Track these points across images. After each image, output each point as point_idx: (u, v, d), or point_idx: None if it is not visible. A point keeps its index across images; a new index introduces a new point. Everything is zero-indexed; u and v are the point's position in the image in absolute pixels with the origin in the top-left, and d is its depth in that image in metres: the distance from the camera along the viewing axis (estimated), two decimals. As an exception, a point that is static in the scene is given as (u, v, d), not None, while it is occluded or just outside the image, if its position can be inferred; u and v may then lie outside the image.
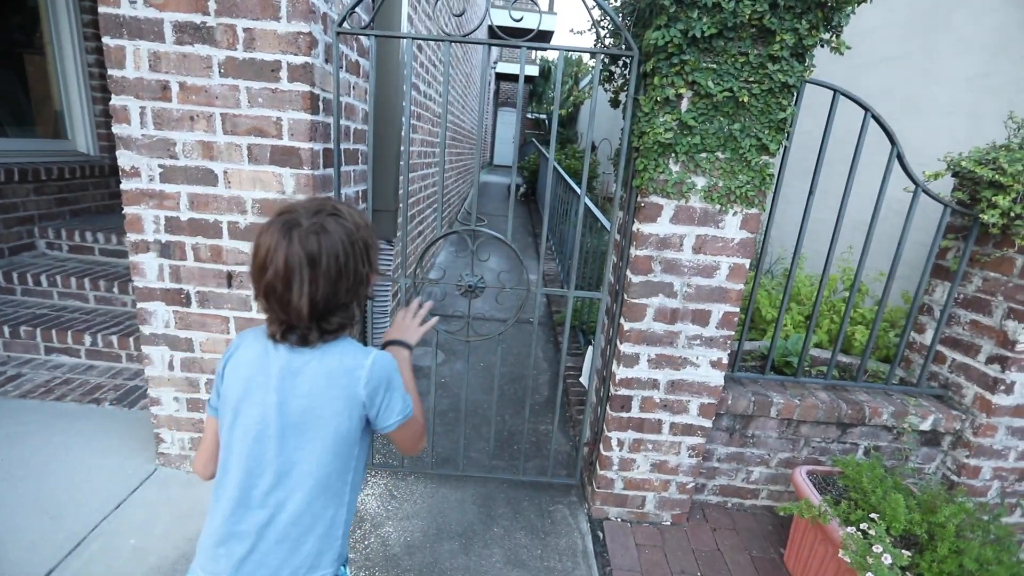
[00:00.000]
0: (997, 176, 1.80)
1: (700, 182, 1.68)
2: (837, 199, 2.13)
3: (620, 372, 1.89)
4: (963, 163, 1.92)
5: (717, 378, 1.90)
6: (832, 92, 1.76)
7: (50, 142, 3.46)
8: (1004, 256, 1.91)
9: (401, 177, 2.29)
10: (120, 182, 1.70)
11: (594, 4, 1.67)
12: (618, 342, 1.90)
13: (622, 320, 1.87)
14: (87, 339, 2.61)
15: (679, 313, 1.82)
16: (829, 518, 1.54)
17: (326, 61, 1.71)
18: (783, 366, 2.35)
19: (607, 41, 1.91)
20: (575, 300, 3.94)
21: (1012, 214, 1.80)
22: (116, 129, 1.65)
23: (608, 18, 1.75)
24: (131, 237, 1.75)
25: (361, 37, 2.07)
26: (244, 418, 0.86)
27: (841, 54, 1.53)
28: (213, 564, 0.86)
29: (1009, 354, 1.90)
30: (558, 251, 5.96)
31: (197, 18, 1.55)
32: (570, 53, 16.22)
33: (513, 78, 16.66)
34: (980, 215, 1.86)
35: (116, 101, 1.63)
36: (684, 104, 1.61)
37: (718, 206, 1.70)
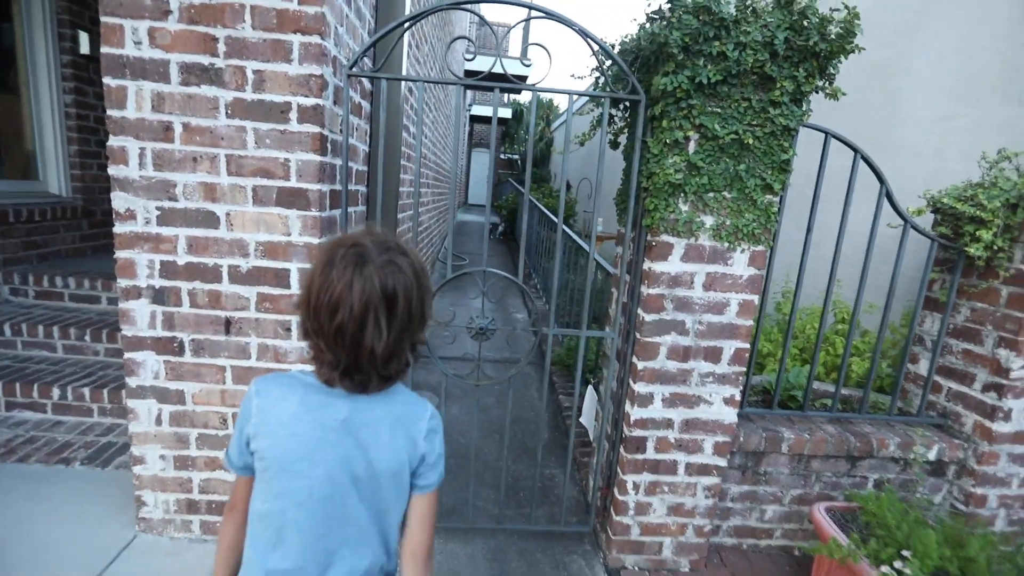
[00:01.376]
0: (978, 212, 1.90)
1: (709, 221, 1.71)
2: (816, 234, 2.18)
3: (635, 412, 1.85)
4: (944, 200, 2.02)
5: (731, 415, 1.89)
6: (824, 135, 1.85)
7: (20, 183, 3.30)
8: (990, 287, 2.00)
9: (402, 215, 2.27)
10: (92, 224, 1.62)
11: (599, 49, 1.73)
12: (631, 382, 1.87)
13: (635, 359, 1.85)
14: (55, 392, 2.42)
15: (692, 351, 1.82)
16: (859, 558, 1.52)
17: (334, 103, 1.70)
18: (785, 399, 2.36)
19: (606, 86, 1.98)
20: (571, 340, 3.92)
21: (995, 247, 1.90)
22: (112, 171, 1.58)
23: (612, 64, 1.81)
24: (122, 283, 1.65)
25: (363, 80, 2.08)
26: (304, 479, 0.78)
27: (836, 100, 1.61)
28: None
29: (1004, 382, 1.95)
30: (543, 288, 5.99)
31: (205, 59, 1.53)
32: (540, 94, 16.81)
33: (486, 119, 17.11)
34: (965, 248, 1.95)
35: (114, 142, 1.56)
36: (691, 146, 1.65)
37: (726, 244, 1.73)
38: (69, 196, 3.52)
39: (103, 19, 1.50)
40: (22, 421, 2.40)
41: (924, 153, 2.87)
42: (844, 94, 1.59)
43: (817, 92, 1.64)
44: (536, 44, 1.65)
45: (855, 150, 1.86)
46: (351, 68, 1.64)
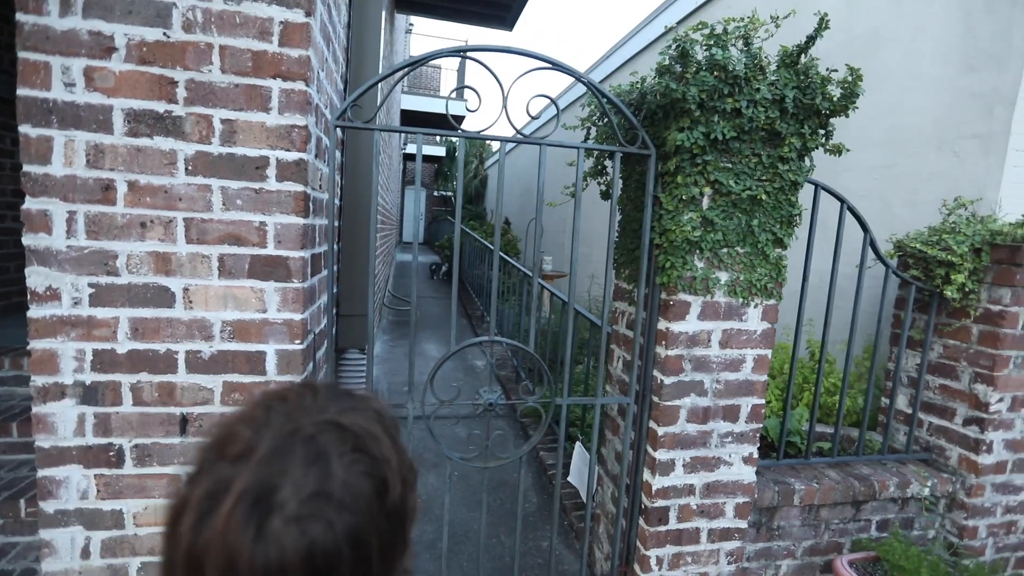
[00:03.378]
0: (948, 256, 2.01)
1: (724, 277, 1.66)
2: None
3: (656, 482, 1.72)
4: (913, 244, 2.13)
5: (750, 474, 1.81)
6: (814, 187, 1.89)
7: None
8: (962, 325, 2.11)
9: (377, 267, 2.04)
10: (1, 283, 1.27)
11: (605, 98, 1.66)
12: (650, 449, 1.74)
13: (652, 424, 1.73)
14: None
15: (711, 411, 1.73)
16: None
17: (316, 156, 1.49)
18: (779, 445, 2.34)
19: (602, 138, 1.92)
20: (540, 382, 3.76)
21: (966, 289, 2.01)
22: (29, 240, 1.24)
23: (612, 116, 1.74)
24: (39, 381, 1.29)
25: (338, 130, 1.87)
26: None
27: (839, 156, 1.64)
28: None
29: (985, 416, 2.04)
30: (497, 326, 5.81)
31: (160, 106, 1.27)
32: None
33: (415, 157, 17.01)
34: (940, 290, 2.05)
35: (32, 205, 1.24)
36: (705, 202, 1.60)
37: (741, 299, 1.68)
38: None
39: (22, 55, 1.21)
40: None
41: (868, 197, 3.09)
42: (848, 150, 1.62)
43: (818, 148, 1.66)
44: (543, 96, 1.55)
45: (842, 201, 1.91)
46: (339, 118, 1.44)
